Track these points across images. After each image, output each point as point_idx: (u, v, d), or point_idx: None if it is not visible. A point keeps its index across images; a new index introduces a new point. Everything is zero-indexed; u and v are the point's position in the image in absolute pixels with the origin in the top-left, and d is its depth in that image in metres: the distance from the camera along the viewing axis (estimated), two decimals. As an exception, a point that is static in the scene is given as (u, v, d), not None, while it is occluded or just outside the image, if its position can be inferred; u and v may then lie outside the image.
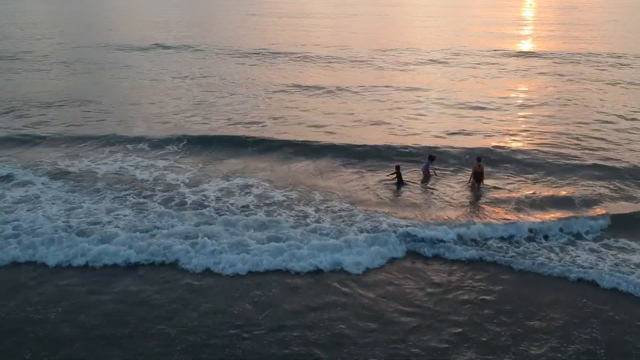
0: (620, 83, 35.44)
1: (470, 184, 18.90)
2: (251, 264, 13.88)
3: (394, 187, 18.97)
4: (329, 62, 42.32)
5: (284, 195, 18.05)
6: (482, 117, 27.46)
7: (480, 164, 18.71)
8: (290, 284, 13.24)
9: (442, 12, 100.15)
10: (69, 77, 37.55)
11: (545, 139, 23.90)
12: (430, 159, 19.90)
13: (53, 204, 17.36)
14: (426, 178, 19.72)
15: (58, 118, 27.25)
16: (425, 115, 27.78)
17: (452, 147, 22.33)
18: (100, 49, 49.13)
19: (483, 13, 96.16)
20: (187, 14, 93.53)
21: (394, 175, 19.40)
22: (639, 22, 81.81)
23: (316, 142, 23.12)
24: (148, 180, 19.40)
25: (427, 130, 25.11)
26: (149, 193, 18.24)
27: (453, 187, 18.94)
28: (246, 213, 16.63)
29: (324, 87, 33.17)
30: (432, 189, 18.85)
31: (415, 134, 24.49)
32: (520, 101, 30.93)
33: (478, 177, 18.67)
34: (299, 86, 33.61)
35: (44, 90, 32.98)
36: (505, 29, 68.11)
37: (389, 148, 22.36)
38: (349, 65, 41.19)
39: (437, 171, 19.90)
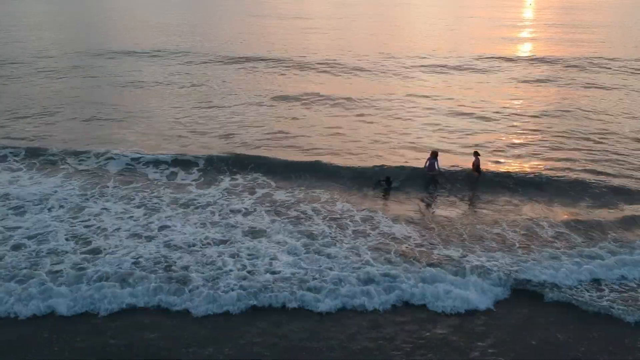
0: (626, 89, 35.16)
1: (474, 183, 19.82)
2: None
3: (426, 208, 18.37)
4: (329, 68, 41.58)
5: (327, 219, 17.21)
6: (488, 127, 26.74)
7: (478, 157, 19.84)
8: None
9: (442, 13, 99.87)
10: (69, 80, 37.24)
11: (560, 153, 23.26)
12: (434, 156, 19.55)
13: (60, 208, 17.30)
14: (433, 176, 19.59)
15: (58, 124, 27.12)
16: (431, 124, 27.14)
17: (459, 161, 21.62)
18: (101, 52, 48.69)
19: (484, 14, 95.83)
20: (187, 14, 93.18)
21: (385, 184, 19.24)
22: (639, 22, 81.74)
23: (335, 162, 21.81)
24: (157, 182, 19.33)
25: (432, 143, 24.26)
26: (156, 200, 18.14)
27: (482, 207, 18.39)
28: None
29: (322, 95, 32.45)
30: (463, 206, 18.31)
31: (419, 146, 23.85)
32: (529, 111, 30.09)
33: (477, 169, 19.91)
34: (301, 95, 32.74)
35: (44, 95, 32.79)
36: (509, 32, 67.64)
37: (396, 165, 21.14)
38: (351, 73, 40.25)
39: (441, 170, 19.81)
